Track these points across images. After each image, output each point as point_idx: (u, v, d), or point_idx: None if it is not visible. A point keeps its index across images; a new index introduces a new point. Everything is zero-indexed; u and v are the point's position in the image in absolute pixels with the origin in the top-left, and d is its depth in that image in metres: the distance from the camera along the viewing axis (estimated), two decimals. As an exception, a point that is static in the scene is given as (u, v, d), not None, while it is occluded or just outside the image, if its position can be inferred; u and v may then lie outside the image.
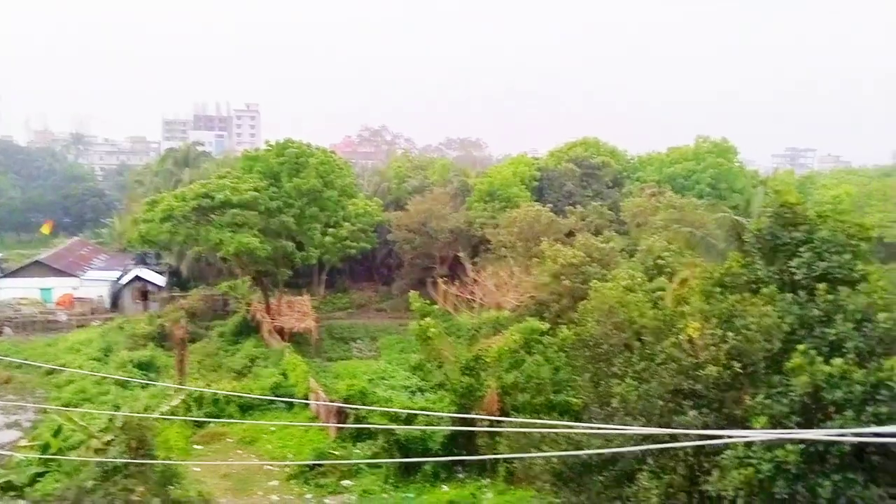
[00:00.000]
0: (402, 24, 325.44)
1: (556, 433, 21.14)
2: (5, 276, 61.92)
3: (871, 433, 13.58)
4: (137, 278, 61.86)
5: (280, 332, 48.00)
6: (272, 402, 34.75)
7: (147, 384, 35.32)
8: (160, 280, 62.97)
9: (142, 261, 69.25)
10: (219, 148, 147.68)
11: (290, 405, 35.13)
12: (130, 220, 61.48)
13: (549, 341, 29.97)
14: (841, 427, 14.64)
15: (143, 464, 22.70)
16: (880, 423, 14.37)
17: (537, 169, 69.42)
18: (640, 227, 51.49)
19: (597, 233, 50.08)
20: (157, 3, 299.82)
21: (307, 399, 35.06)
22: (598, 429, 19.29)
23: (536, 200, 59.75)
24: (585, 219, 56.34)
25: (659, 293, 29.09)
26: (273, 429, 32.55)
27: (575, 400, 26.29)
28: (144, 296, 61.02)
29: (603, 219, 56.79)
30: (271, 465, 28.85)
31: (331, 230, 54.65)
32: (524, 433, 22.77)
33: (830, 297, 17.76)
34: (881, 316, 16.94)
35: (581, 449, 19.96)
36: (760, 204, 41.63)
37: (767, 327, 18.11)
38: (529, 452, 21.87)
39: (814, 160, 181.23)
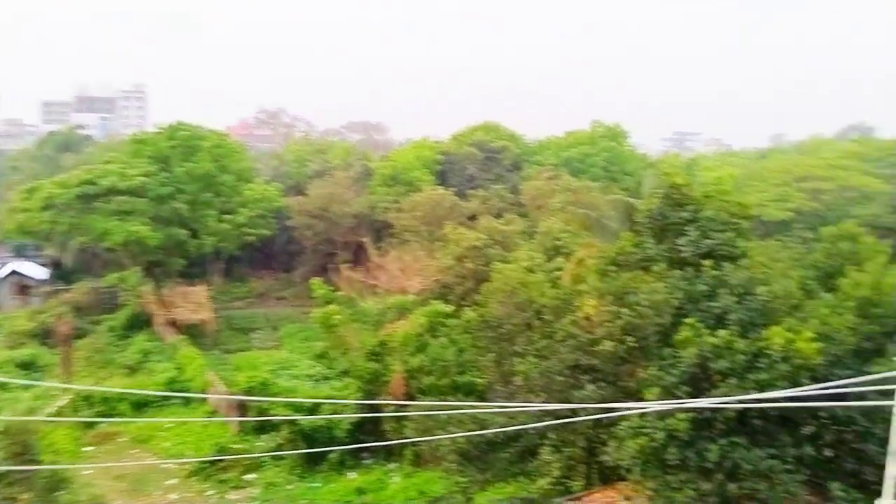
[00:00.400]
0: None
1: (461, 413, 21.44)
2: None
3: (752, 399, 14.54)
4: (14, 272, 57.53)
5: (174, 324, 46.03)
6: (168, 398, 33.32)
7: (30, 385, 32.97)
8: (41, 273, 58.84)
9: (20, 253, 64.44)
10: (103, 131, 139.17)
11: (188, 400, 33.81)
12: (6, 208, 56.99)
13: (454, 323, 30.26)
14: (726, 395, 15.61)
15: (27, 470, 21.34)
16: (761, 389, 15.42)
17: (440, 153, 69.59)
18: (539, 210, 52.70)
19: (498, 216, 50.84)
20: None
21: (205, 393, 33.85)
22: (502, 407, 19.72)
23: (439, 184, 59.93)
24: (487, 202, 57.06)
25: (557, 273, 29.93)
26: (170, 426, 31.23)
27: (479, 380, 26.74)
28: (24, 290, 56.86)
29: (504, 202, 57.69)
30: (169, 463, 27.70)
31: (227, 217, 52.79)
32: (430, 416, 22.97)
33: (715, 272, 18.84)
34: (761, 289, 18.13)
35: (486, 428, 20.35)
36: (650, 186, 43.54)
37: (658, 303, 19.00)
38: (436, 434, 22.09)
39: (699, 144, 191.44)
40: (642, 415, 16.54)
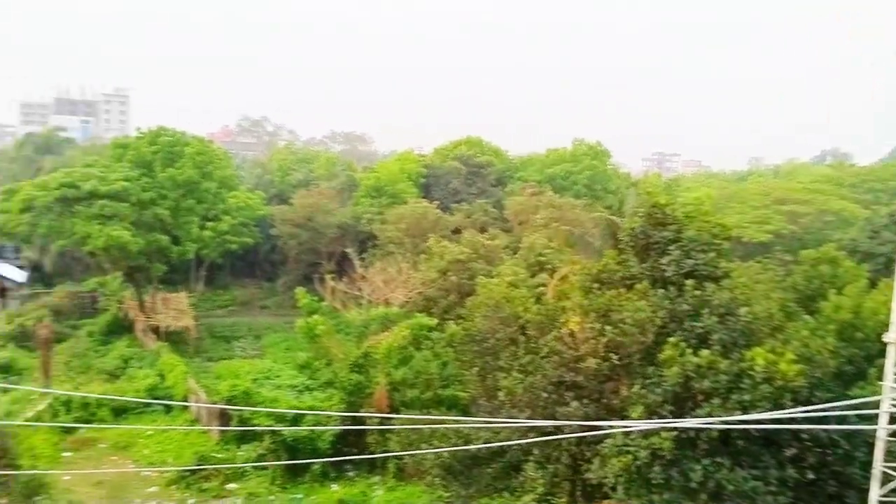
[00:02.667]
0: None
1: (445, 427, 21.60)
2: None
3: (735, 420, 14.90)
4: (-8, 274, 56.73)
5: (156, 330, 45.71)
6: (148, 404, 33.10)
7: (8, 388, 32.57)
8: (20, 276, 58.04)
9: (-3, 255, 63.53)
10: (85, 134, 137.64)
11: (169, 408, 33.61)
12: (-17, 210, 56.32)
13: (438, 336, 30.49)
14: (709, 414, 15.96)
15: (4, 475, 21.14)
16: (744, 410, 15.79)
17: (424, 166, 70.02)
18: (522, 225, 53.18)
19: (482, 230, 51.24)
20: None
21: (187, 401, 33.67)
22: (486, 422, 19.92)
23: (423, 197, 60.25)
24: (471, 216, 57.47)
25: (541, 289, 30.28)
26: (150, 433, 31.02)
27: (463, 394, 26.95)
28: (2, 293, 56.07)
29: (488, 216, 58.14)
30: (149, 470, 27.52)
31: (209, 224, 52.68)
32: (414, 429, 23.09)
33: (698, 292, 19.25)
34: (742, 310, 18.57)
35: (470, 442, 20.51)
36: (633, 204, 44.30)
37: (641, 321, 19.34)
38: (419, 448, 22.20)
39: (679, 164, 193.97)
40: (626, 433, 16.83)
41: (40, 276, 59.62)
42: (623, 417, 17.79)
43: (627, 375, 19.35)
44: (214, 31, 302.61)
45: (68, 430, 30.28)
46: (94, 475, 26.54)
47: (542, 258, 38.98)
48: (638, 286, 20.90)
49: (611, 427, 16.94)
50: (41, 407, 31.21)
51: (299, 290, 36.34)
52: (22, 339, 43.31)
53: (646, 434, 16.36)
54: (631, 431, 16.53)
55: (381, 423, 25.73)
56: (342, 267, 58.48)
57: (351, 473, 27.45)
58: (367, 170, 72.20)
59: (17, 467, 21.64)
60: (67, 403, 32.18)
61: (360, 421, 26.56)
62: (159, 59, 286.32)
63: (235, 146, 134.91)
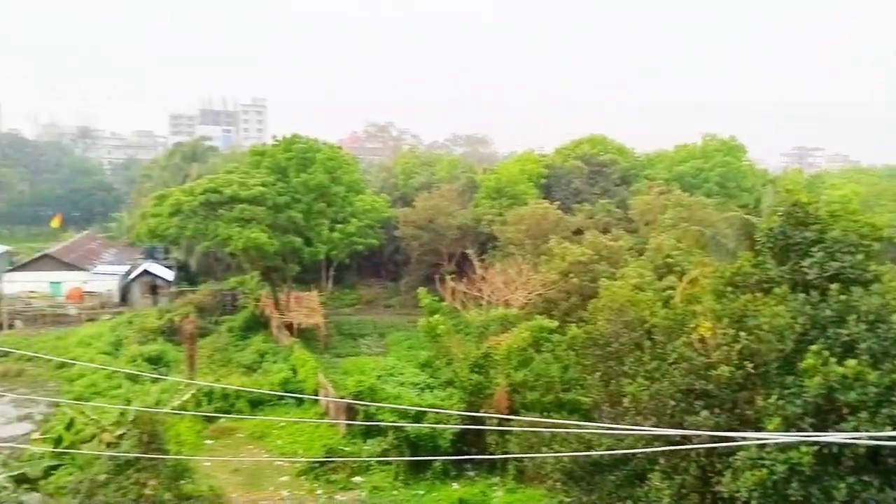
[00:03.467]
0: (408, 18, 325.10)
1: (566, 432, 21.20)
2: (15, 269, 62.25)
3: (886, 436, 13.60)
4: (146, 273, 62.09)
5: (289, 327, 48.19)
6: (282, 397, 34.90)
7: (157, 378, 35.51)
8: (169, 275, 63.20)
9: (150, 255, 69.45)
10: (226, 143, 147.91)
11: (300, 401, 35.29)
12: (139, 214, 61.74)
13: (558, 339, 30.02)
14: (855, 429, 14.66)
15: (154, 458, 22.86)
16: (895, 425, 14.39)
17: (544, 166, 69.36)
18: (648, 226, 51.45)
19: (605, 231, 50.05)
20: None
21: (316, 395, 35.20)
22: (609, 428, 19.35)
23: (544, 198, 59.70)
24: (593, 217, 56.30)
25: (669, 292, 29.11)
26: (283, 424, 32.70)
27: (585, 399, 26.34)
28: (153, 290, 61.25)
29: (611, 217, 56.74)
30: (281, 460, 29.00)
31: (338, 226, 54.74)
32: (534, 432, 22.84)
33: (843, 297, 17.75)
34: (895, 317, 16.92)
35: (592, 448, 20.00)
36: (770, 203, 41.60)
37: (780, 327, 18.11)
38: (539, 451, 21.94)
39: (822, 159, 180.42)
40: (762, 445, 15.78)
41: (186, 276, 64.66)
42: (758, 429, 16.70)
43: (763, 385, 18.16)
44: (336, 42, 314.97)
45: (210, 420, 32.48)
46: (231, 462, 28.30)
47: (670, 260, 37.54)
48: (776, 290, 19.62)
49: (744, 439, 15.94)
50: (186, 397, 33.68)
51: (421, 290, 36.98)
52: (170, 333, 47.10)
53: (783, 447, 15.25)
54: (766, 444, 15.47)
55: (500, 424, 25.68)
56: (462, 268, 59.08)
57: (471, 473, 27.61)
58: (488, 171, 72.51)
59: (165, 452, 23.37)
60: (209, 394, 34.54)
61: (480, 421, 26.62)
62: (290, 70, 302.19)
63: (363, 151, 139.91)
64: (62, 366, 40.26)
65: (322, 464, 27.58)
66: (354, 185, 60.64)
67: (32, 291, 58.37)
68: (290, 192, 51.69)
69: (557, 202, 57.32)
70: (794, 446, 15.06)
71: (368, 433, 29.67)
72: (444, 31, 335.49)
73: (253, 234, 46.03)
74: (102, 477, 21.67)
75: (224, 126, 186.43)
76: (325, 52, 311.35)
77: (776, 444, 15.32)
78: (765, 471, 15.46)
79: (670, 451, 17.98)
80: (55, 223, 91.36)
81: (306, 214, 52.19)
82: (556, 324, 31.57)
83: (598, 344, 23.32)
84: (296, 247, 50.89)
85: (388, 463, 27.19)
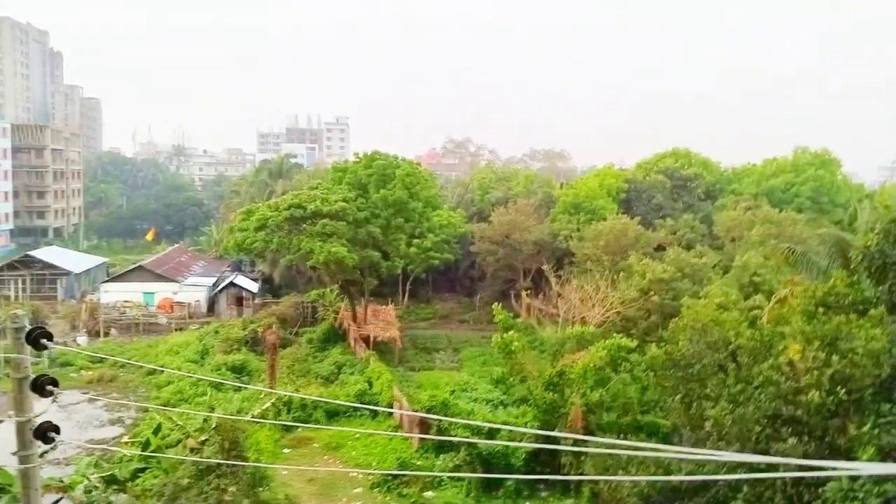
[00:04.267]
0: (487, 37, 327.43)
1: (644, 455, 20.52)
2: (111, 279, 65.99)
3: None
4: (233, 284, 64.54)
5: (365, 340, 48.90)
6: (357, 409, 35.36)
7: (240, 387, 36.69)
8: (254, 287, 65.46)
9: (237, 268, 72.23)
10: (310, 160, 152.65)
11: (375, 413, 35.64)
12: (227, 228, 64.39)
13: (637, 359, 29.19)
14: (963, 464, 13.54)
15: (234, 465, 23.53)
16: None
17: (625, 181, 68.00)
18: (734, 242, 49.60)
19: (688, 247, 48.54)
20: (252, 23, 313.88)
21: (391, 408, 35.50)
22: (690, 453, 18.59)
23: (624, 213, 58.46)
24: (676, 232, 54.74)
25: (755, 312, 27.86)
26: (358, 436, 33.10)
27: (664, 422, 25.52)
28: (239, 301, 63.57)
29: (695, 233, 55.01)
30: (356, 471, 29.32)
31: (415, 241, 55.27)
32: (610, 454, 22.24)
33: (949, 321, 16.52)
34: None
35: (670, 473, 19.29)
36: (867, 219, 39.28)
37: (876, 351, 17.04)
38: (616, 474, 21.34)
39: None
40: (854, 477, 14.80)
41: (270, 288, 66.85)
42: (849, 459, 15.66)
43: (857, 412, 17.07)
44: (419, 61, 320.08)
45: (288, 429, 33.25)
46: (307, 472, 28.82)
47: (757, 278, 36.02)
48: (872, 312, 18.49)
49: (835, 469, 14.98)
50: (266, 406, 34.61)
51: (496, 306, 36.77)
52: (253, 343, 48.70)
53: (878, 480, 14.24)
54: (859, 476, 14.49)
55: (575, 445, 25.12)
56: (538, 284, 58.47)
57: (544, 493, 27.09)
58: (566, 186, 71.70)
59: (245, 459, 24.05)
60: (288, 404, 35.36)
61: (554, 440, 26.13)
62: (376, 91, 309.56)
63: (440, 167, 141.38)
64: (152, 372, 42.24)
65: (395, 477, 27.69)
66: (432, 201, 61.17)
67: (127, 301, 61.66)
68: (370, 208, 52.65)
69: (638, 217, 56.00)
70: (890, 478, 14.05)
71: (441, 448, 29.62)
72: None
73: (334, 248, 47.05)
74: (185, 481, 22.46)
75: (308, 144, 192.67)
76: (402, 68, 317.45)
77: (870, 476, 14.33)
78: (857, 503, 14.50)
79: (755, 479, 17.11)
80: (149, 236, 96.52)
81: (385, 229, 52.99)
82: (635, 343, 30.66)
83: (680, 365, 22.53)
84: (374, 261, 51.72)
85: (461, 479, 27.01)
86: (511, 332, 33.71)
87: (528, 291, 58.70)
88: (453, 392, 35.53)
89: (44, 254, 73.07)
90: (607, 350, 29.85)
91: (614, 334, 32.67)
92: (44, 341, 9.83)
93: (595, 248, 50.57)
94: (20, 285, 67.18)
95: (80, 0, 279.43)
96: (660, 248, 49.39)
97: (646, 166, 72.36)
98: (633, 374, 28.66)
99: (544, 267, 55.08)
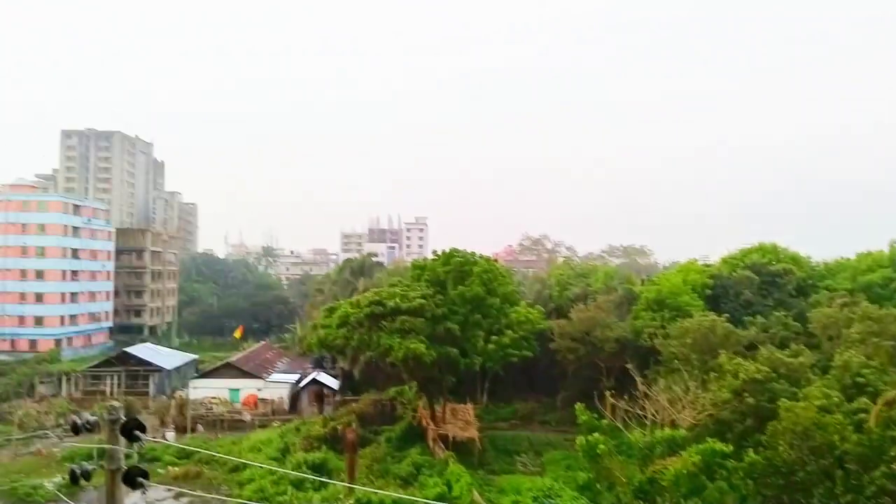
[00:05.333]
0: (559, 133, 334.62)
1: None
2: (200, 376, 68.17)
3: None
4: (315, 381, 65.45)
5: (444, 439, 48.04)
6: (436, 513, 34.34)
7: (321, 484, 36.46)
8: (334, 383, 66.15)
9: (319, 364, 73.36)
10: (390, 258, 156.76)
11: (455, 518, 34.52)
12: (310, 325, 65.96)
13: (734, 465, 27.39)
14: None
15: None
16: None
17: (710, 276, 66.16)
18: (832, 341, 46.94)
19: (781, 346, 46.18)
20: (336, 134, 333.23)
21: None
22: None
23: (710, 310, 56.51)
24: (768, 330, 52.36)
25: (861, 415, 25.95)
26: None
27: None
28: (320, 398, 64.19)
29: (788, 331, 52.41)
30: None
31: (493, 337, 54.96)
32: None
33: None
34: None
35: None
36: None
37: None
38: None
39: None
40: None
41: (350, 384, 67.27)
42: None
43: None
44: (494, 159, 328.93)
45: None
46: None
47: (861, 379, 33.77)
48: None
49: None
50: (346, 506, 34.16)
51: (578, 406, 35.68)
52: (333, 441, 48.64)
53: None
54: None
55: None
56: (622, 383, 56.38)
57: None
58: (647, 282, 70.31)
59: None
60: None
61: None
62: (454, 189, 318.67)
63: (517, 264, 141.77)
64: (235, 469, 42.65)
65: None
66: (509, 297, 61.08)
67: (214, 397, 63.33)
68: (448, 304, 53.06)
69: (726, 315, 53.91)
70: None
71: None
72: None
73: (412, 345, 47.33)
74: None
75: (389, 243, 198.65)
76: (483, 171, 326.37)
77: None
78: None
79: None
80: (237, 334, 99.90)
81: (462, 326, 53.06)
82: (730, 448, 28.85)
83: (781, 472, 21.07)
84: (452, 357, 51.55)
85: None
86: (596, 435, 32.47)
87: (612, 391, 56.69)
88: (536, 498, 34.17)
89: (138, 351, 76.64)
90: (701, 455, 28.18)
91: (707, 438, 30.95)
92: (137, 433, 10.23)
93: (682, 347, 48.79)
94: (115, 381, 70.29)
95: (185, 119, 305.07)
96: (751, 346, 47.21)
97: (732, 261, 70.39)
98: (731, 482, 26.81)
99: (628, 365, 53.36)
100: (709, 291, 64.05)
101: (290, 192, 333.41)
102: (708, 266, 72.02)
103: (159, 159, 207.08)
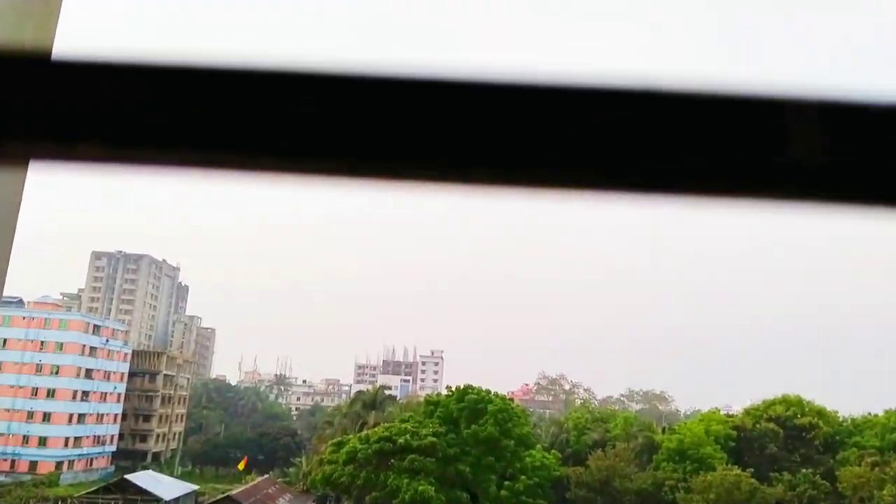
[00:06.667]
0: (575, 275, 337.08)
1: None
2: (199, 509, 65.41)
3: None
4: (316, 521, 62.36)
5: None
6: None
7: None
8: (336, 525, 62.90)
9: (322, 502, 70.17)
10: (404, 392, 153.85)
11: None
12: (316, 460, 63.79)
13: None
14: None
15: None
16: None
17: (732, 427, 63.87)
18: (863, 503, 44.35)
19: (810, 505, 43.69)
20: (353, 269, 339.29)
21: None
22: None
23: (734, 463, 54.12)
24: (795, 488, 49.82)
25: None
26: None
27: None
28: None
29: (817, 490, 49.82)
30: None
31: (506, 483, 52.68)
32: None
33: None
34: None
35: None
36: None
37: None
38: None
39: None
40: None
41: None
42: None
43: None
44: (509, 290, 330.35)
45: None
46: None
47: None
48: None
49: None
50: None
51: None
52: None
53: None
54: None
55: None
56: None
57: None
58: (668, 430, 67.94)
59: None
60: None
61: None
62: (466, 329, 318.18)
63: (533, 404, 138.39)
64: None
65: None
66: (525, 440, 59.10)
67: (211, 532, 60.34)
68: (460, 444, 51.45)
69: (750, 469, 51.52)
70: None
71: None
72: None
73: (421, 487, 45.52)
74: None
75: (403, 376, 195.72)
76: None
77: None
78: None
79: None
80: (241, 466, 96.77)
81: (474, 468, 51.11)
82: None
83: None
84: (462, 502, 49.21)
85: None
86: None
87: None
88: None
89: (139, 478, 74.20)
90: None
91: None
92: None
93: (705, 502, 46.29)
94: (112, 509, 67.61)
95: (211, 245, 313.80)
96: (778, 504, 44.76)
97: (755, 413, 68.14)
98: None
99: (648, 520, 50.51)
100: (732, 443, 61.57)
101: (308, 322, 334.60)
102: (730, 417, 69.69)
103: (184, 283, 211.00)
